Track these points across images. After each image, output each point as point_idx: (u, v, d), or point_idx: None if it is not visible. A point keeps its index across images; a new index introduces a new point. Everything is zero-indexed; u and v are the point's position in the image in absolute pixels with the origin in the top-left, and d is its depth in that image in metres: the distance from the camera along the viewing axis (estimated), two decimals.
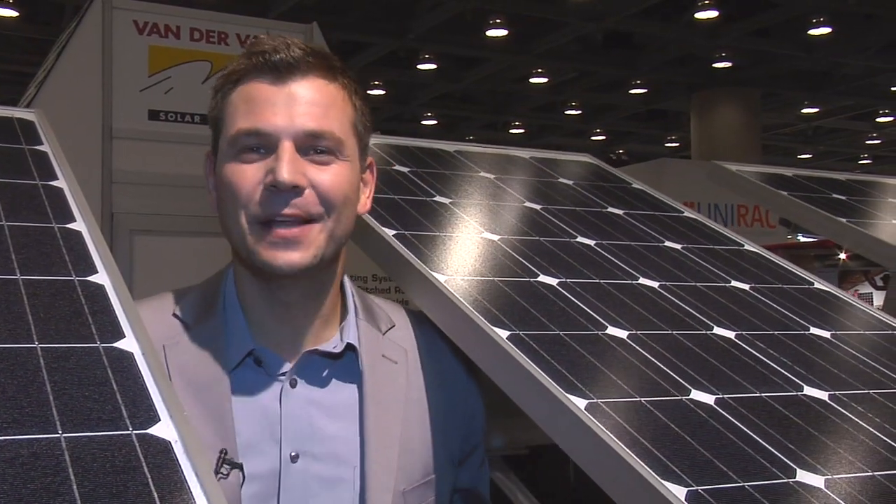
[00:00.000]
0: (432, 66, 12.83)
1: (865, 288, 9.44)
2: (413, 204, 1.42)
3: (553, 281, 1.25)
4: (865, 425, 1.05)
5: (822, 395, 1.11)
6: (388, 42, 11.52)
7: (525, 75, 13.54)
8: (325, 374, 1.12)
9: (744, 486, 0.87)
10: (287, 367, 1.10)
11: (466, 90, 14.60)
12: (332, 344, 1.13)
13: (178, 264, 4.14)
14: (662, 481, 0.85)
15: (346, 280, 1.19)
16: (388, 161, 1.58)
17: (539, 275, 1.26)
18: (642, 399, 0.99)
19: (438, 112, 16.10)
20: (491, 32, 11.07)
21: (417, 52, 12.36)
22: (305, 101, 1.06)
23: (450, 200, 1.47)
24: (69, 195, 1.10)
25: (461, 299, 1.12)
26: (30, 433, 0.66)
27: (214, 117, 1.12)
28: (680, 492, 0.84)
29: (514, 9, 10.44)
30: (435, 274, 1.17)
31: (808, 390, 1.12)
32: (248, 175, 1.05)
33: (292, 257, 1.05)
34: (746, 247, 1.60)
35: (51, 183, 1.13)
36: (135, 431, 0.69)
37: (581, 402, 0.95)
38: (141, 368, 0.78)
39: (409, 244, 1.25)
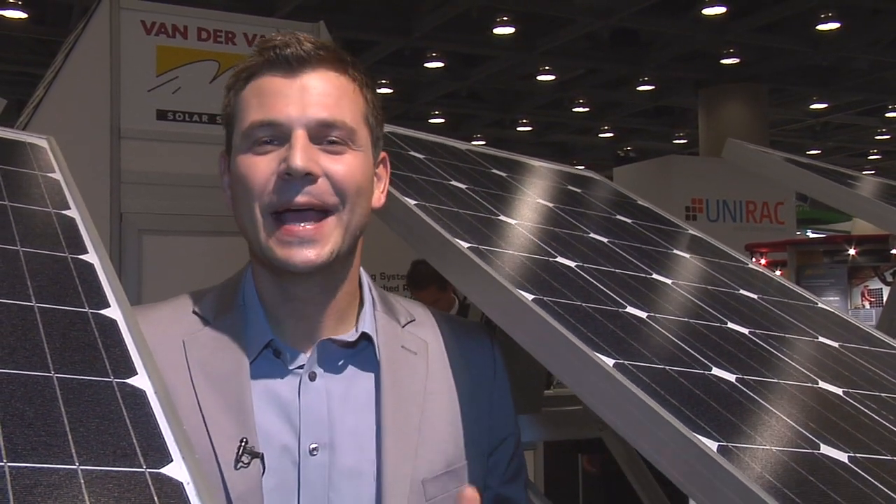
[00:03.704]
0: (439, 64, 12.84)
1: (875, 283, 9.42)
2: (430, 183, 1.43)
3: (571, 263, 1.26)
4: (881, 420, 1.07)
5: (837, 390, 1.12)
6: (394, 40, 11.54)
7: (532, 73, 13.54)
8: (340, 363, 1.12)
9: (771, 448, 0.88)
10: (304, 358, 1.10)
11: (473, 88, 14.61)
12: (349, 334, 1.12)
13: (187, 263, 4.16)
14: (695, 433, 0.85)
15: (364, 274, 1.19)
16: (403, 147, 1.59)
17: (557, 256, 1.27)
18: (666, 367, 1.00)
19: (445, 110, 16.12)
20: (498, 30, 11.07)
21: (424, 50, 12.38)
22: (317, 92, 1.07)
23: (465, 186, 1.49)
24: (81, 226, 1.10)
25: (484, 264, 1.12)
26: (48, 462, 0.66)
27: (227, 115, 1.12)
28: (712, 445, 0.84)
29: (521, 6, 10.45)
30: (457, 241, 1.17)
31: (823, 385, 1.13)
32: (261, 166, 1.05)
33: (308, 255, 1.04)
34: (750, 265, 1.64)
35: (63, 212, 1.12)
36: (148, 470, 0.69)
37: (609, 361, 0.95)
38: (153, 407, 0.78)
39: (429, 214, 1.25)
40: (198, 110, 4.31)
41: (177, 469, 0.70)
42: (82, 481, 0.65)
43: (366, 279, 1.19)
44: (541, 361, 1.02)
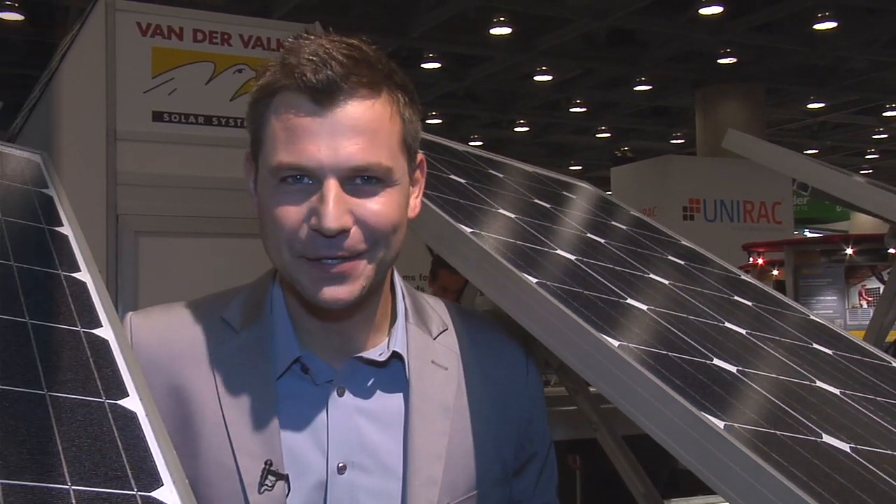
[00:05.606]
0: (436, 65, 12.83)
1: (873, 283, 9.41)
2: (431, 176, 1.43)
3: (570, 256, 1.27)
4: (878, 419, 1.07)
5: (835, 390, 1.13)
6: (391, 41, 11.52)
7: (529, 73, 13.54)
8: (369, 383, 1.09)
9: (776, 433, 0.88)
10: (333, 374, 1.07)
11: (470, 88, 14.61)
12: (378, 351, 1.09)
13: (184, 265, 4.15)
14: (702, 412, 0.85)
15: (398, 280, 1.16)
16: None
17: (557, 249, 1.28)
18: (669, 353, 0.99)
19: (442, 111, 16.11)
20: (495, 30, 11.07)
21: (421, 51, 12.37)
22: (350, 130, 0.98)
23: (465, 181, 1.49)
24: (74, 243, 1.09)
25: (488, 247, 1.12)
26: (41, 481, 0.66)
27: (253, 131, 1.05)
28: (719, 423, 0.84)
29: (518, 6, 10.44)
30: (460, 226, 1.17)
31: (821, 384, 1.13)
32: (291, 214, 0.99)
33: (339, 293, 1.00)
34: (743, 276, 1.65)
35: (56, 229, 1.12)
36: (139, 493, 0.68)
37: (613, 342, 0.95)
38: (144, 430, 0.77)
39: (433, 201, 1.25)
40: (194, 112, 4.30)
41: (167, 493, 0.69)
42: (74, 502, 0.65)
43: (399, 285, 1.15)
44: (544, 343, 1.02)
